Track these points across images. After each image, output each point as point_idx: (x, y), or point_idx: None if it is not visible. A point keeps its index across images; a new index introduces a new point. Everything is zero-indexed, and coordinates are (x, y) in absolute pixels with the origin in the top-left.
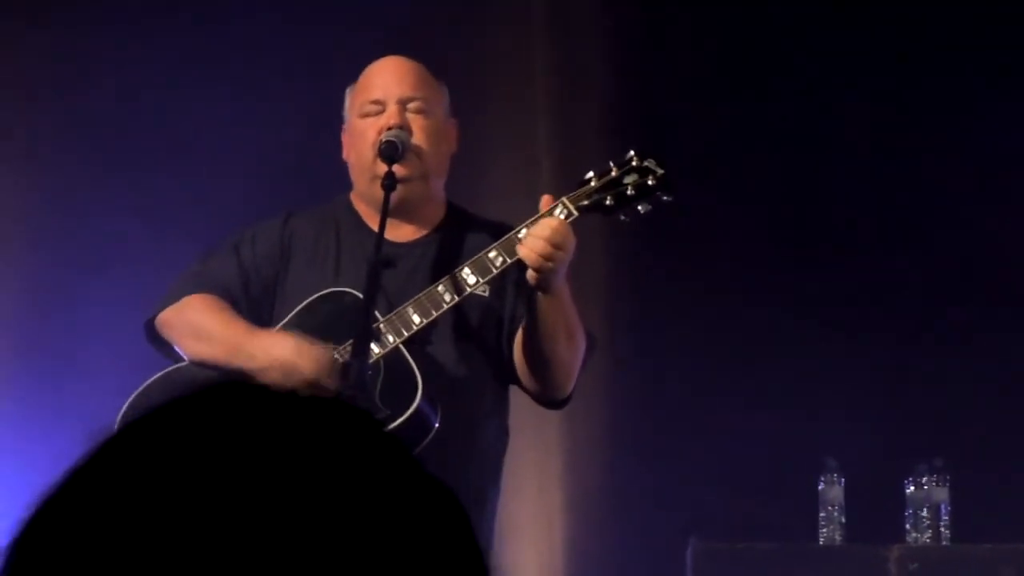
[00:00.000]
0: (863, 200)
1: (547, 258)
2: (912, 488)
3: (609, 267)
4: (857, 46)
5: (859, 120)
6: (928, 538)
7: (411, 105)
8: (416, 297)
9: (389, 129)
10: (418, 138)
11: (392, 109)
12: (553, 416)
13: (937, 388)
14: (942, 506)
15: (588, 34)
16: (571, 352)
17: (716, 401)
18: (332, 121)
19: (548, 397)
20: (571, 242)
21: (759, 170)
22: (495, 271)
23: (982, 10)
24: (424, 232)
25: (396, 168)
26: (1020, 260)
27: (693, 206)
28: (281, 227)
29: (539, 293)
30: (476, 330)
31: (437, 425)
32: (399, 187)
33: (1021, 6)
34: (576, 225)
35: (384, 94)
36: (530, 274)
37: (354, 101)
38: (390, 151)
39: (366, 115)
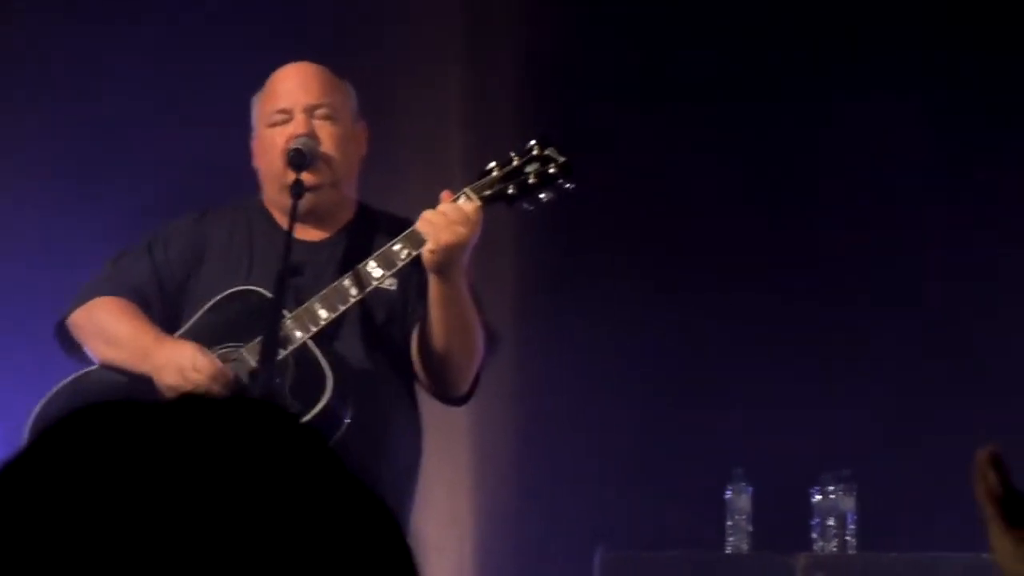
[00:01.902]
0: (772, 206)
1: (444, 230)
2: (819, 497)
3: (515, 272)
4: (768, 56)
5: (759, 126)
6: (834, 547)
7: (318, 112)
8: (323, 292)
9: (297, 138)
10: (326, 145)
11: (299, 118)
12: (460, 424)
13: (844, 398)
14: (848, 515)
15: (502, 34)
16: (467, 350)
17: (624, 410)
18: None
19: (444, 394)
20: (473, 222)
21: (671, 170)
22: (400, 263)
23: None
24: (332, 232)
25: (305, 176)
26: (925, 270)
27: (604, 204)
28: (194, 226)
29: (436, 283)
30: (384, 325)
31: (348, 420)
32: (310, 195)
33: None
34: (483, 222)
35: (290, 102)
36: (426, 252)
37: (261, 110)
38: (298, 159)
39: (273, 124)
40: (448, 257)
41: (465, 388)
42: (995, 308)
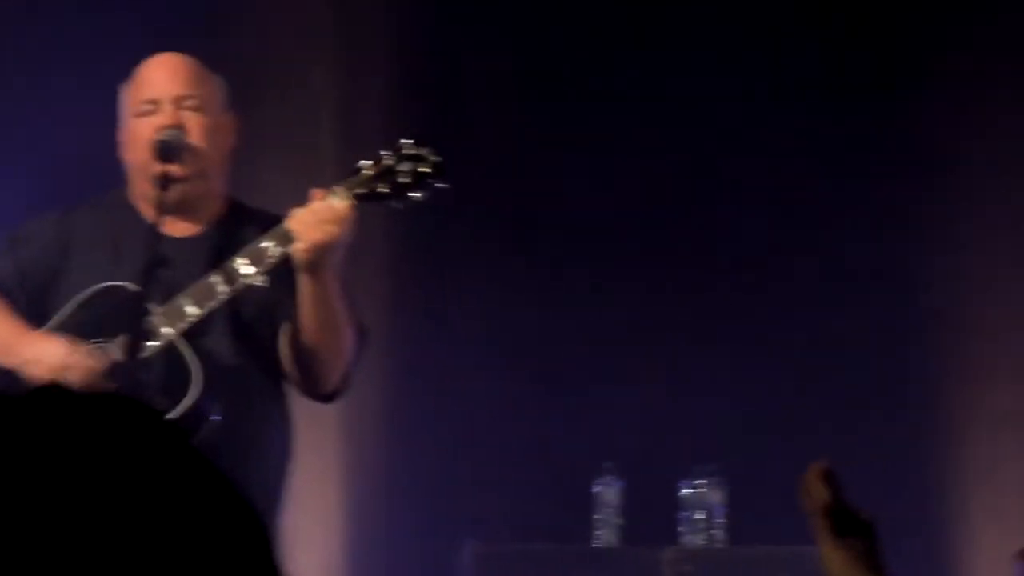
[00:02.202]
0: (643, 200)
1: (315, 229)
2: (688, 491)
3: (386, 267)
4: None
5: (637, 126)
6: (703, 540)
7: (186, 103)
8: (191, 288)
9: (164, 128)
10: (194, 136)
11: (167, 108)
12: (329, 419)
13: (713, 390)
14: (716, 508)
15: (374, 29)
16: (336, 348)
17: (494, 403)
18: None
19: (312, 391)
20: (344, 221)
21: (542, 165)
22: (269, 260)
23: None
24: (203, 227)
25: (173, 168)
26: (792, 264)
27: (475, 200)
28: (57, 223)
29: (306, 281)
30: (253, 321)
31: (216, 417)
32: (178, 187)
33: None
34: (354, 218)
35: (158, 93)
36: (297, 250)
37: (129, 100)
38: (165, 150)
39: (141, 115)
40: (318, 256)
41: (333, 385)
42: (860, 302)
